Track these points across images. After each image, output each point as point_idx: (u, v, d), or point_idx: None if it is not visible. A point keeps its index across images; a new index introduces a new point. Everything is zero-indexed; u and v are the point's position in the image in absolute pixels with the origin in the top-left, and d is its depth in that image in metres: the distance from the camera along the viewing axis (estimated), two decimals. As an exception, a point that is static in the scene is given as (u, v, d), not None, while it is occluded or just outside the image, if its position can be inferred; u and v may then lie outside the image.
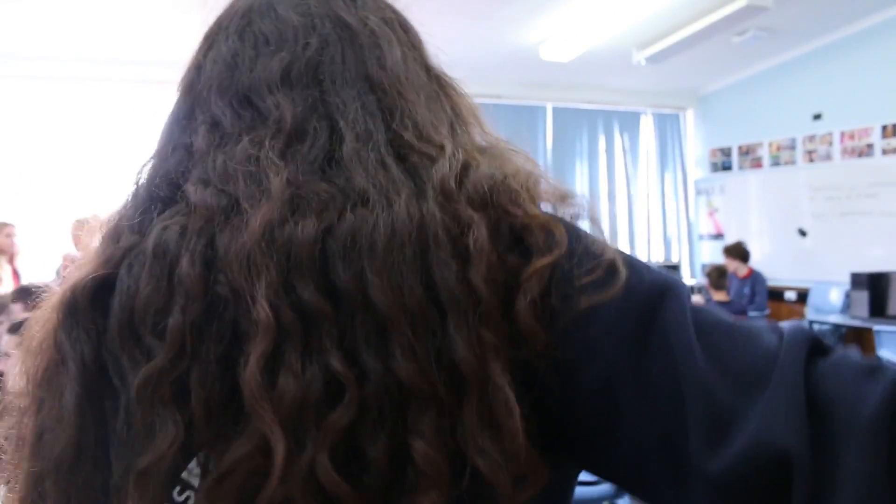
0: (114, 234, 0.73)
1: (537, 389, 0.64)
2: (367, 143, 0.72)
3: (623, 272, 0.67)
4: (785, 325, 0.71)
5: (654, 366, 0.63)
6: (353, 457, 0.61)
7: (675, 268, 9.50)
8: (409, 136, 0.73)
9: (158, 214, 0.71)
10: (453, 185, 0.69)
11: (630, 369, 0.64)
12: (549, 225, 0.69)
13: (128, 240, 0.71)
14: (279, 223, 0.66)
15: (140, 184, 0.77)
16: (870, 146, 7.97)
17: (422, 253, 0.65)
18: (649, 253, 9.92)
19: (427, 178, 0.69)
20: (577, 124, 9.57)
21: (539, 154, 9.35)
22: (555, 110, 9.45)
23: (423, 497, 0.61)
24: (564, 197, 0.76)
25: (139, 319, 0.66)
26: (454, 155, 0.72)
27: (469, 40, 7.47)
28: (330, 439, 0.61)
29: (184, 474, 0.65)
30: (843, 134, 8.22)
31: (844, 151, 8.22)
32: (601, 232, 0.75)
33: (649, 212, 9.97)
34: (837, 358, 0.64)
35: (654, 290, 0.67)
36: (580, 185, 9.56)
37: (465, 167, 0.71)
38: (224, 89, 0.77)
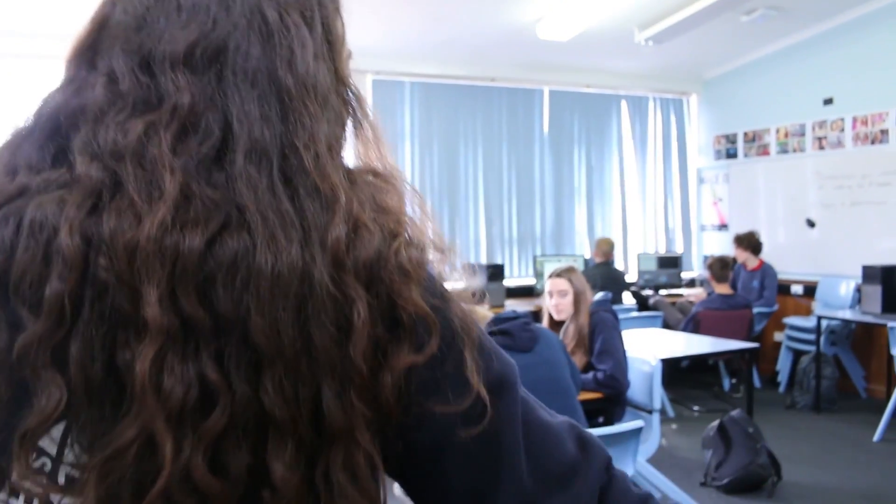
0: (10, 165, 0.73)
1: (385, 444, 0.73)
2: (259, 159, 0.71)
3: (473, 384, 0.75)
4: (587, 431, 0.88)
5: (483, 447, 0.76)
6: (220, 465, 0.67)
7: (677, 259, 9.10)
8: (305, 159, 0.72)
9: (51, 162, 0.72)
10: (344, 254, 0.70)
11: (461, 443, 0.75)
12: (427, 320, 0.73)
13: (21, 180, 0.71)
14: (170, 228, 0.67)
15: (44, 113, 0.76)
16: (884, 132, 7.57)
17: (303, 307, 0.68)
18: (647, 243, 9.54)
19: (315, 227, 0.70)
20: (574, 108, 9.18)
21: (535, 139, 8.97)
22: (552, 94, 9.05)
23: None
24: (446, 250, 0.80)
25: (14, 285, 0.67)
26: (349, 214, 0.72)
27: (461, 19, 7.07)
28: (204, 444, 0.66)
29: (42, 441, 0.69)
30: (855, 119, 7.82)
31: (856, 138, 7.82)
32: (475, 274, 0.84)
33: (650, 201, 9.59)
34: (621, 485, 0.85)
35: (494, 384, 0.77)
36: (577, 173, 9.18)
37: (357, 230, 0.72)
38: (128, 48, 0.75)
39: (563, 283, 4.15)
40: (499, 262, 8.56)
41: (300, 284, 0.68)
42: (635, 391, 4.08)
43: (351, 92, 0.82)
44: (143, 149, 0.69)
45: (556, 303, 4.15)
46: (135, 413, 0.65)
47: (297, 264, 0.68)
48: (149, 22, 0.75)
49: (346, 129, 0.81)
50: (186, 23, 0.74)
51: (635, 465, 3.27)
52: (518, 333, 3.42)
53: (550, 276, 4.23)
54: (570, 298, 4.12)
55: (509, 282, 8.35)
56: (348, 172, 0.77)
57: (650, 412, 4.11)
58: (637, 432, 3.17)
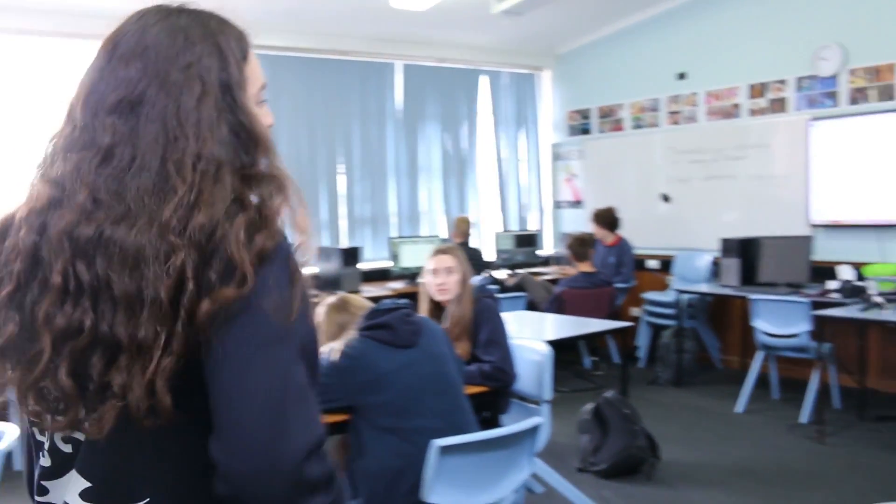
0: (30, 186, 1.19)
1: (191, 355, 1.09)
2: (141, 173, 1.11)
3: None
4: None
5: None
6: (79, 373, 1.11)
7: (533, 237, 8.99)
8: (169, 172, 1.11)
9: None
10: (174, 223, 1.08)
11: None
12: (244, 269, 1.07)
13: (27, 199, 1.18)
14: (76, 224, 1.10)
15: (48, 151, 1.19)
16: (736, 106, 7.69)
17: (143, 265, 1.07)
18: (503, 222, 9.40)
19: (157, 212, 1.09)
20: (429, 83, 8.88)
21: (388, 116, 8.61)
22: (406, 68, 8.71)
23: (110, 405, 1.09)
24: (304, 233, 1.18)
25: (2, 263, 1.16)
26: (185, 196, 1.09)
27: (311, -14, 6.63)
28: (69, 356, 1.10)
29: None
30: (708, 94, 7.91)
31: (710, 112, 7.91)
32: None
33: (504, 179, 9.43)
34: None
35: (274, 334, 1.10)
36: (430, 149, 8.89)
37: (193, 208, 1.09)
38: (86, 101, 1.17)
39: (449, 260, 3.80)
40: (353, 245, 8.19)
41: (143, 250, 1.07)
42: (522, 381, 3.84)
43: (240, 114, 1.19)
44: (76, 174, 1.13)
45: (441, 281, 3.79)
46: (37, 337, 1.11)
47: (142, 239, 1.07)
48: (99, 86, 1.17)
49: (234, 146, 1.17)
50: (117, 86, 1.15)
51: (531, 464, 3.02)
52: (399, 326, 3.08)
53: (435, 253, 3.86)
54: (456, 277, 3.78)
55: (365, 265, 7.99)
56: (232, 171, 1.14)
57: (538, 403, 3.89)
58: (534, 431, 2.93)
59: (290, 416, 1.07)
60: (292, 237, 1.16)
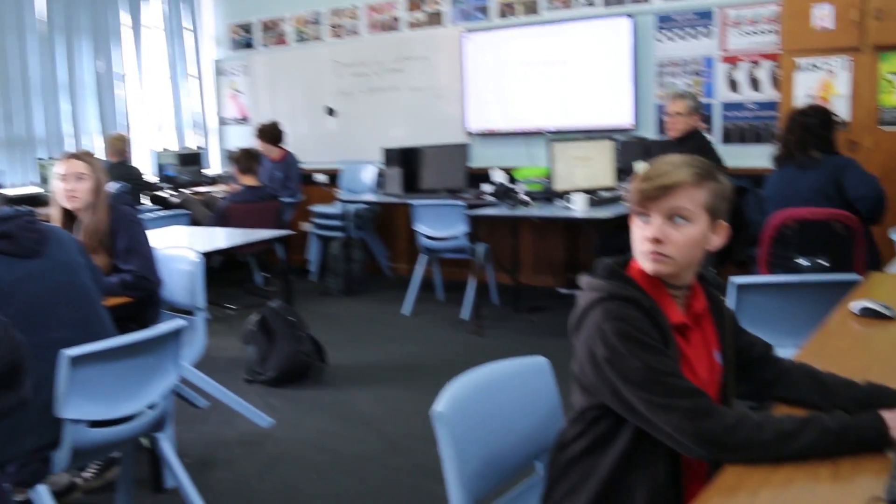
0: None
1: None
2: None
3: None
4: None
5: None
6: None
7: (198, 156, 8.58)
8: None
9: None
10: None
11: None
12: None
13: None
14: None
15: None
16: (395, 19, 7.75)
17: None
18: (165, 140, 8.89)
19: None
20: (72, -10, 8.05)
21: (27, 30, 7.69)
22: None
23: None
24: None
25: None
26: None
27: None
28: None
29: None
30: (369, 7, 7.90)
31: (371, 25, 7.92)
32: None
33: (166, 95, 8.88)
34: None
35: None
36: (82, 66, 8.12)
37: None
38: None
39: (80, 166, 3.45)
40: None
41: None
42: (175, 292, 3.62)
43: None
44: None
45: (70, 188, 3.42)
46: None
47: None
48: None
49: None
50: None
51: (178, 369, 2.85)
52: (21, 235, 2.74)
53: (63, 158, 3.50)
54: (88, 185, 3.44)
55: (10, 191, 7.20)
56: None
57: (192, 313, 3.69)
58: (177, 334, 2.75)
59: None
60: None
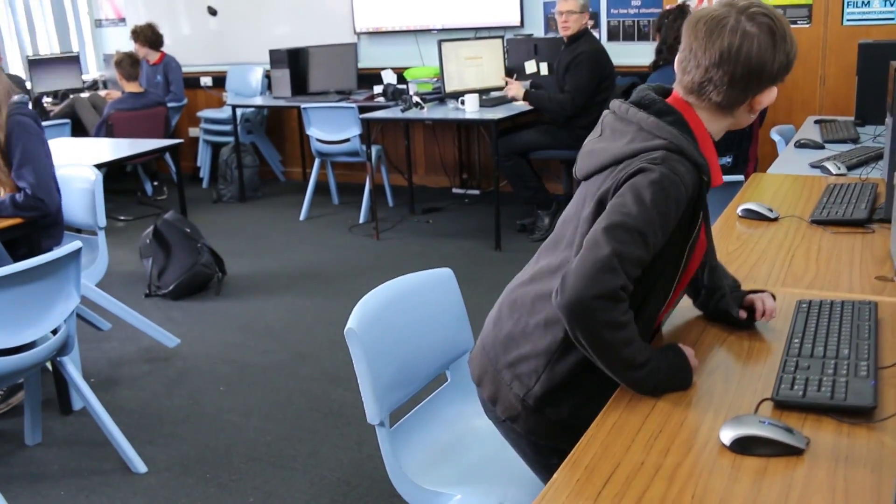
0: None
1: None
2: None
3: None
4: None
5: None
6: None
7: (75, 59, 8.17)
8: None
9: None
10: None
11: None
12: None
13: None
14: None
15: None
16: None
17: None
18: (38, 44, 8.43)
19: None
20: None
21: None
22: None
23: None
24: None
25: None
26: None
27: None
28: None
29: None
30: None
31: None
32: None
33: (33, -6, 8.39)
34: None
35: None
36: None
37: None
38: None
39: None
40: None
41: None
42: (73, 211, 3.53)
43: None
44: None
45: None
46: None
47: None
48: None
49: None
50: None
51: (79, 291, 2.82)
52: None
53: None
54: None
55: None
56: None
57: (94, 233, 3.62)
58: (76, 256, 2.71)
59: None
60: None
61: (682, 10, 4.39)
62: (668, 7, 4.68)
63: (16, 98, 3.35)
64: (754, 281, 1.98)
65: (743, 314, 1.67)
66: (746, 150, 4.06)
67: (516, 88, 5.37)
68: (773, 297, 1.69)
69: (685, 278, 1.58)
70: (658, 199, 1.40)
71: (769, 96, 1.52)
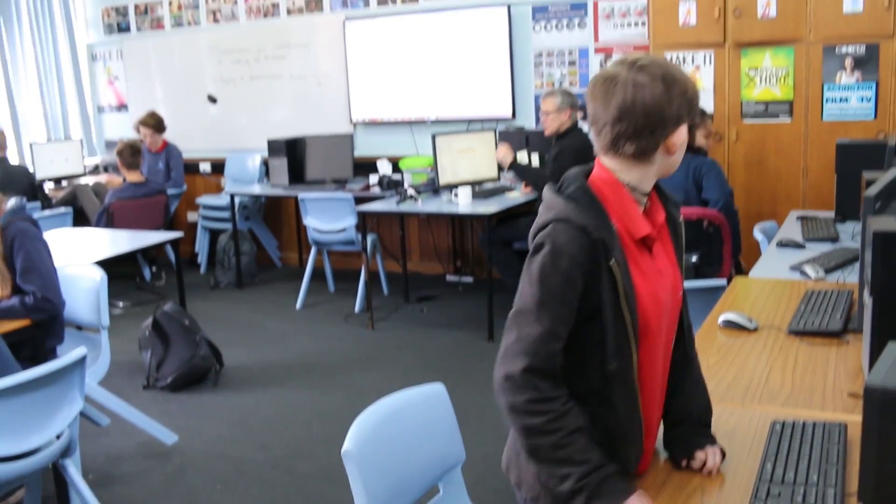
0: None
1: None
2: None
3: None
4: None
5: None
6: None
7: (79, 144, 8.34)
8: None
9: None
10: None
11: None
12: None
13: None
14: None
15: None
16: (275, 6, 7.72)
17: None
18: (40, 132, 8.63)
19: None
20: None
21: None
22: None
23: None
24: None
25: None
26: None
27: None
28: None
29: None
30: (246, -8, 7.85)
31: (250, 11, 7.86)
32: None
33: (37, 82, 8.60)
34: None
35: None
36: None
37: None
38: None
39: None
40: None
41: None
42: (77, 309, 3.63)
43: None
44: None
45: None
46: None
47: None
48: None
49: None
50: None
51: (83, 395, 2.90)
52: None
53: None
54: None
55: None
56: None
57: (97, 330, 3.71)
58: (82, 362, 2.80)
59: None
60: None
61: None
62: None
63: (13, 203, 3.46)
64: (732, 398, 2.07)
65: (684, 464, 1.69)
66: (719, 251, 4.20)
67: (504, 152, 5.56)
68: (724, 454, 1.70)
69: (650, 331, 1.59)
70: (545, 276, 1.50)
71: (680, 136, 1.56)
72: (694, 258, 4.10)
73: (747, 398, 2.08)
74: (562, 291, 1.50)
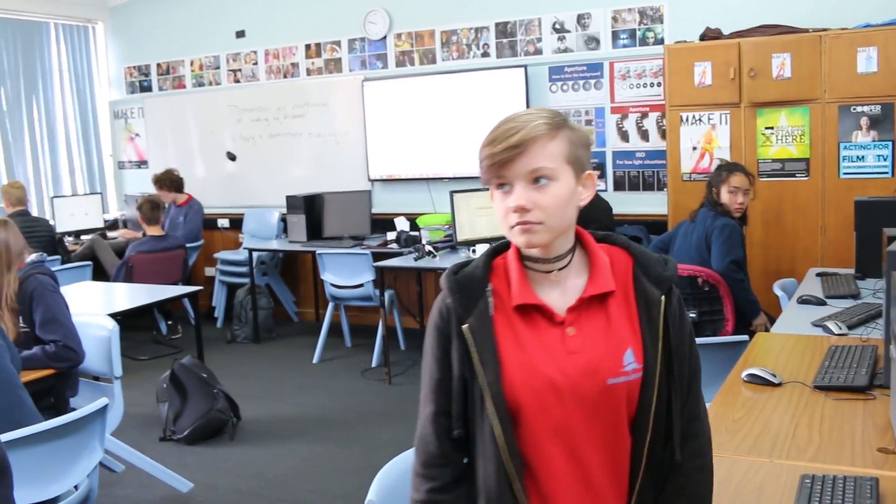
0: None
1: None
2: None
3: None
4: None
5: None
6: None
7: (99, 198, 8.45)
8: None
9: None
10: None
11: None
12: None
13: None
14: None
15: None
16: (294, 66, 7.86)
17: None
18: (72, 184, 8.75)
19: None
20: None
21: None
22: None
23: None
24: None
25: None
26: None
27: None
28: None
29: None
30: (267, 53, 7.98)
31: (270, 71, 8.00)
32: None
33: (60, 138, 8.74)
34: None
35: None
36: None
37: None
38: None
39: None
40: None
41: None
42: (91, 359, 3.64)
43: None
44: None
45: None
46: None
47: None
48: None
49: None
50: None
51: (103, 445, 2.90)
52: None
53: None
54: None
55: None
56: None
57: (110, 381, 3.72)
58: (102, 412, 2.81)
59: None
60: None
61: (720, 165, 4.75)
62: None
63: (34, 257, 3.53)
64: (759, 452, 2.06)
65: None
66: (721, 310, 4.18)
67: None
68: None
69: (525, 409, 1.43)
70: (428, 343, 1.53)
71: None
72: (692, 314, 4.07)
73: (775, 452, 2.06)
74: (435, 359, 1.52)
